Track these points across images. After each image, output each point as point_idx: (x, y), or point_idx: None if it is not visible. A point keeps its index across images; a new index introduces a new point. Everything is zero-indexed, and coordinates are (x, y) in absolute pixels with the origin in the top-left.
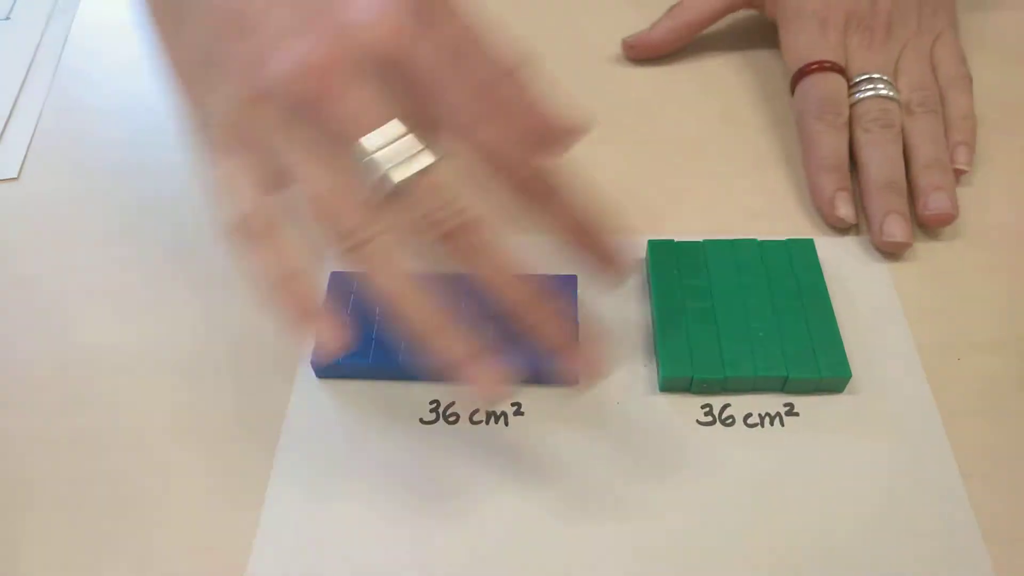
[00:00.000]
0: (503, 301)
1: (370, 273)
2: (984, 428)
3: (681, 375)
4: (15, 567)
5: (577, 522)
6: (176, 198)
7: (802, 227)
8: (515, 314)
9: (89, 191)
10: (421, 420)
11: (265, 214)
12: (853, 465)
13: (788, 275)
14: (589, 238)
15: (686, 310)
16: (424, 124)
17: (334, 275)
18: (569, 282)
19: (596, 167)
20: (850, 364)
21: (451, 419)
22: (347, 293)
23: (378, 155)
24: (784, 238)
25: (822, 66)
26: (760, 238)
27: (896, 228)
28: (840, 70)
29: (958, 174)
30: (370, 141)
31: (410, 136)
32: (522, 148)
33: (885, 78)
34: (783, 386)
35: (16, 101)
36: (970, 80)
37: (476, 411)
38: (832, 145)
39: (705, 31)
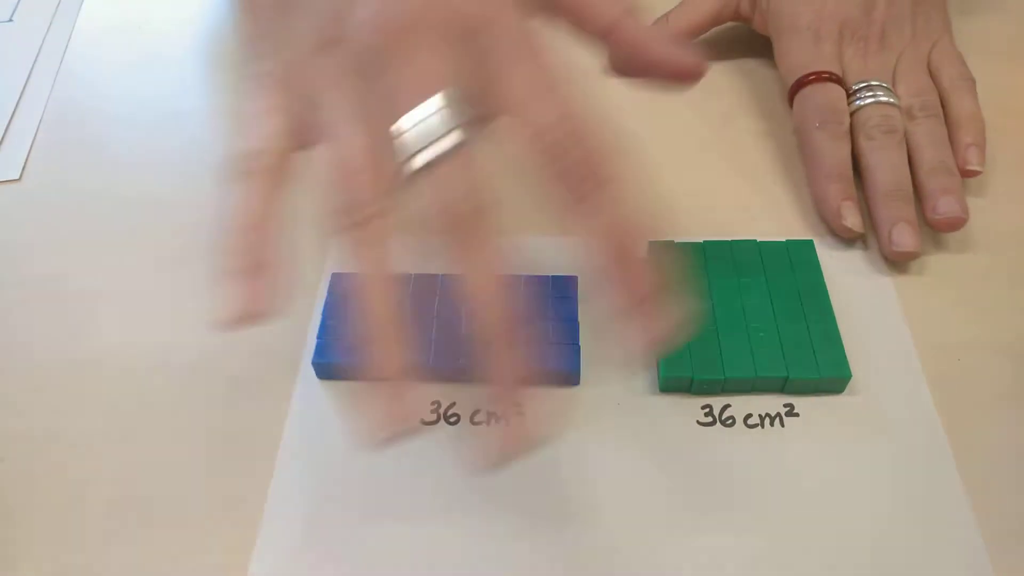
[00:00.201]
0: (479, 315)
1: (354, 254)
2: (984, 428)
3: (681, 375)
4: (15, 567)
5: (577, 522)
6: (178, 199)
7: (802, 228)
8: (482, 335)
9: (91, 192)
10: (422, 421)
11: (276, 159)
12: (853, 465)
13: (788, 276)
14: (625, 256)
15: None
16: (482, 101)
17: (335, 276)
18: (570, 282)
19: None
20: (850, 365)
21: (452, 420)
22: (348, 294)
23: (411, 133)
24: (784, 239)
25: (820, 76)
26: (760, 239)
27: (906, 237)
28: (838, 80)
29: (971, 175)
30: (411, 117)
31: (447, 111)
32: (575, 125)
33: (884, 85)
34: (783, 387)
35: (19, 102)
36: (973, 82)
37: (477, 411)
38: (835, 155)
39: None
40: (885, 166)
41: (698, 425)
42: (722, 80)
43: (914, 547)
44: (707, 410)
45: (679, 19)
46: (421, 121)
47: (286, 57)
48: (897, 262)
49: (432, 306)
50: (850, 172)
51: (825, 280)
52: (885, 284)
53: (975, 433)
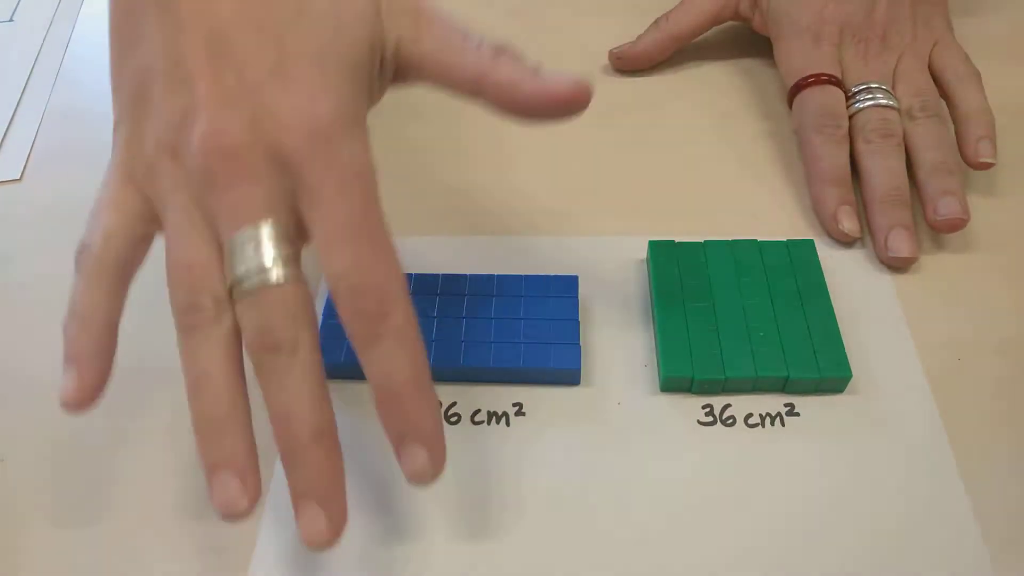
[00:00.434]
0: (286, 431)
1: (185, 351)
2: (984, 428)
3: (681, 375)
4: (15, 567)
5: (578, 522)
6: None
7: (802, 228)
8: (288, 447)
9: (92, 193)
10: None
11: (113, 256)
12: (854, 465)
13: (788, 275)
14: (396, 398)
15: (686, 310)
16: (297, 235)
17: None
18: (570, 282)
19: (597, 167)
20: (850, 364)
21: (453, 419)
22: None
23: (232, 257)
24: (784, 239)
25: (819, 79)
26: (760, 239)
27: (901, 243)
28: (837, 82)
29: (984, 167)
30: (239, 239)
31: (272, 246)
32: (364, 277)
33: (884, 87)
34: (784, 386)
35: (19, 103)
36: (979, 76)
37: (478, 411)
38: (833, 158)
39: (700, 37)
40: (882, 170)
41: (699, 425)
42: (722, 80)
43: (914, 547)
44: (708, 410)
45: (679, 19)
46: (240, 247)
47: (135, 152)
48: (894, 267)
49: (432, 306)
50: (848, 176)
51: (826, 280)
52: (885, 284)
53: (975, 433)
